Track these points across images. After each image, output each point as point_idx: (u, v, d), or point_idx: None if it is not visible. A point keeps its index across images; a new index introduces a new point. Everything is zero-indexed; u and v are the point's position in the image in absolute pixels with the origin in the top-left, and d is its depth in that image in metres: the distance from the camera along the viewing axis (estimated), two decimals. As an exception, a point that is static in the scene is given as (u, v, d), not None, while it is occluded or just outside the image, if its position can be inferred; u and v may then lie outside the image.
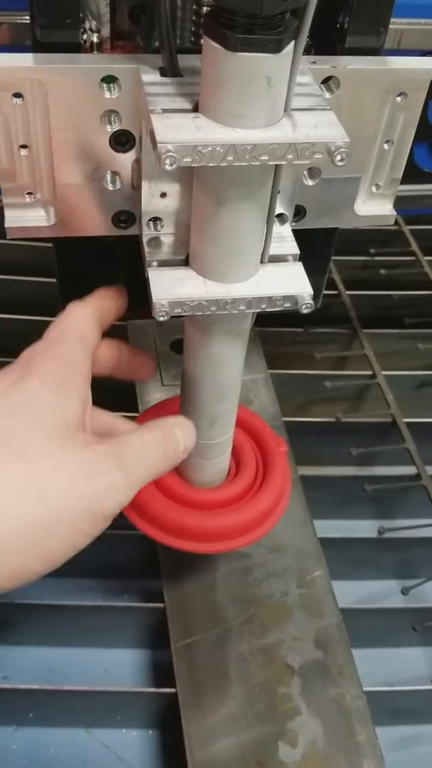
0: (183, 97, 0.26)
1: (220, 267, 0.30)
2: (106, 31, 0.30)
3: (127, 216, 0.32)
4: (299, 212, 0.35)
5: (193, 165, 0.24)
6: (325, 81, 0.30)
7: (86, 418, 0.29)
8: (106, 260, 0.36)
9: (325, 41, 0.31)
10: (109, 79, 0.28)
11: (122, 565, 0.52)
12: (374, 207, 0.36)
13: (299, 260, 0.33)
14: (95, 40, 0.30)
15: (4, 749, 0.46)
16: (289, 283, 0.31)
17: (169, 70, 0.27)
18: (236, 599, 0.47)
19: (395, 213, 0.36)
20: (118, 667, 0.50)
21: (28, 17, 0.28)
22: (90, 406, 0.30)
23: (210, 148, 0.24)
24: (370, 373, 0.63)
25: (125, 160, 0.30)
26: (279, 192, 0.30)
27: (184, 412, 0.38)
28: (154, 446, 0.30)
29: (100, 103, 0.28)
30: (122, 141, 0.30)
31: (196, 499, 0.38)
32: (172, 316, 0.30)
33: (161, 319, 0.29)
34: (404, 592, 0.55)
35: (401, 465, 0.58)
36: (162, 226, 0.32)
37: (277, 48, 0.23)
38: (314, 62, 0.30)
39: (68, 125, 0.29)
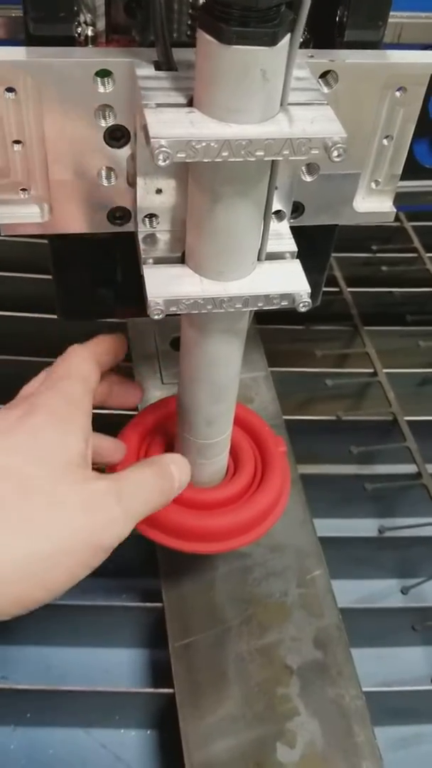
0: (177, 92, 0.26)
1: (216, 265, 0.29)
2: (101, 24, 0.30)
3: (122, 213, 0.32)
4: (297, 209, 0.34)
5: (187, 161, 0.24)
6: (324, 75, 0.30)
7: (87, 454, 0.31)
8: (103, 257, 0.36)
9: (324, 35, 0.31)
10: (103, 73, 0.28)
11: (121, 564, 0.52)
12: (374, 203, 0.35)
13: (297, 258, 0.32)
14: (90, 33, 0.29)
15: (3, 749, 0.46)
16: (287, 281, 0.31)
17: (164, 64, 0.27)
18: (235, 599, 0.46)
19: (395, 209, 0.36)
20: (117, 666, 0.50)
21: (21, 10, 0.27)
22: (91, 442, 0.31)
23: (204, 144, 0.24)
24: (371, 371, 0.63)
25: (120, 155, 0.30)
26: (276, 188, 0.30)
27: (182, 411, 0.37)
28: (151, 482, 0.32)
29: (94, 97, 0.28)
30: (117, 136, 0.29)
31: (193, 499, 0.38)
32: (167, 315, 0.29)
33: (156, 317, 0.29)
34: (404, 591, 0.54)
35: (402, 463, 0.58)
36: (158, 223, 0.31)
37: (272, 41, 0.23)
38: (312, 56, 0.29)
39: (62, 120, 0.28)
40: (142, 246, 0.31)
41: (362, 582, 0.55)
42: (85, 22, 0.29)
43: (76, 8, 0.28)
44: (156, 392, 0.57)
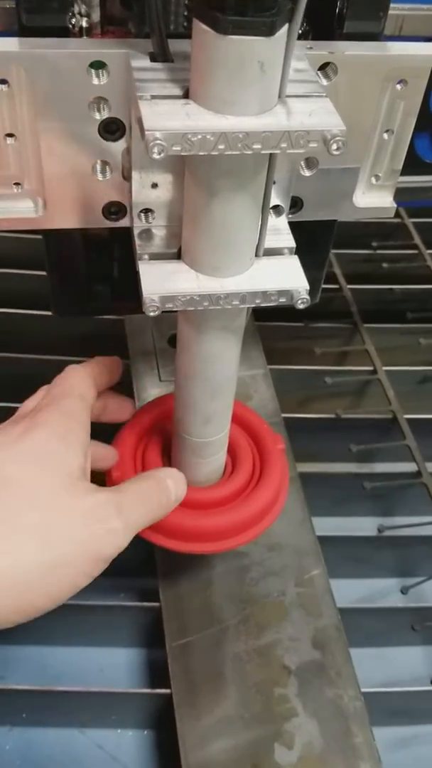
0: (173, 83, 0.25)
1: (212, 260, 0.29)
2: (96, 15, 0.29)
3: (117, 207, 0.31)
4: (296, 204, 0.34)
5: (182, 154, 0.23)
6: (323, 67, 0.29)
7: (87, 467, 0.32)
8: (99, 253, 0.35)
9: (323, 26, 0.30)
10: (98, 65, 0.27)
11: (118, 563, 0.52)
12: (374, 199, 0.35)
13: (296, 254, 0.32)
14: (84, 24, 0.29)
15: (-2, 749, 0.45)
16: (285, 277, 0.30)
17: (160, 55, 0.26)
18: (233, 598, 0.46)
19: (395, 205, 0.35)
20: (113, 666, 0.49)
21: (14, 1, 0.27)
22: (89, 456, 0.33)
23: (200, 136, 0.23)
24: (370, 368, 0.62)
25: (115, 149, 0.29)
26: (274, 183, 0.29)
27: (179, 410, 0.37)
28: (149, 495, 0.33)
29: (88, 89, 0.27)
30: (112, 129, 0.29)
31: (190, 499, 0.38)
32: (163, 312, 0.29)
33: (152, 314, 0.28)
34: (404, 591, 0.54)
35: (401, 462, 0.57)
36: (153, 218, 0.31)
37: (269, 31, 0.22)
38: (311, 48, 0.29)
39: (55, 113, 0.28)
40: (137, 241, 0.31)
41: (361, 581, 0.55)
42: (80, 13, 0.29)
43: (70, -2, 0.27)
44: (153, 389, 0.57)
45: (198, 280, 0.29)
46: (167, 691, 0.42)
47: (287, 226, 0.33)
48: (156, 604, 0.46)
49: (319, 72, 0.29)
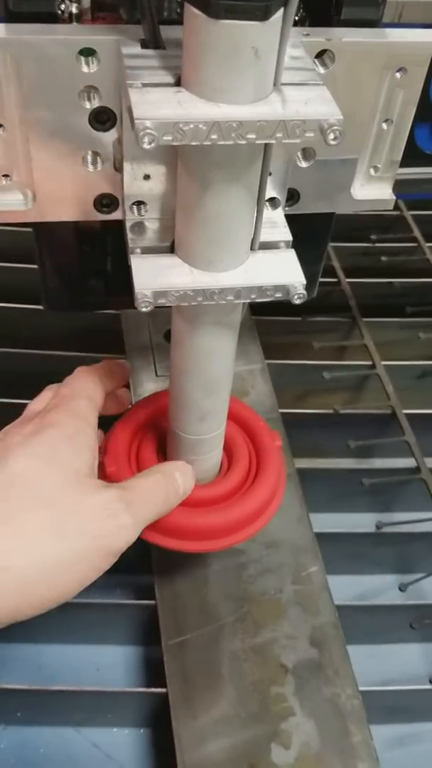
0: (165, 71, 0.25)
1: (206, 254, 0.28)
2: (86, 1, 0.28)
3: (109, 200, 0.31)
4: (293, 196, 0.33)
5: (174, 144, 0.23)
6: (320, 55, 0.29)
7: (95, 465, 0.33)
8: (91, 246, 0.35)
9: (320, 13, 0.29)
10: (87, 52, 0.26)
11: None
12: (372, 191, 0.34)
13: (293, 247, 0.31)
14: (74, 10, 0.28)
15: (-7, 748, 0.45)
16: (281, 271, 0.29)
17: (151, 42, 0.25)
18: (230, 596, 0.46)
19: (394, 197, 0.35)
20: (109, 664, 0.49)
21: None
22: (97, 454, 0.34)
23: (192, 126, 0.22)
24: (369, 363, 0.62)
25: (106, 139, 0.29)
26: (270, 174, 0.29)
27: (173, 406, 0.36)
28: (156, 490, 0.34)
29: (78, 77, 0.27)
30: (102, 119, 0.28)
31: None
32: (156, 307, 0.28)
33: (144, 309, 0.27)
34: (402, 588, 0.53)
35: (400, 457, 0.57)
36: (146, 211, 0.30)
37: (264, 15, 0.22)
38: (307, 35, 0.28)
39: (44, 102, 0.27)
40: (129, 235, 0.30)
41: (359, 578, 0.54)
42: (70, -1, 0.28)
43: (59, -17, 0.26)
44: (150, 384, 0.56)
45: (192, 275, 0.28)
46: (163, 690, 0.42)
47: (284, 219, 0.32)
48: (152, 602, 0.45)
49: (315, 60, 0.28)
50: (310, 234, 0.34)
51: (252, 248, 0.30)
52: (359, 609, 0.49)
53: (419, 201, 0.75)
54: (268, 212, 0.31)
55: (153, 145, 0.22)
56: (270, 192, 0.31)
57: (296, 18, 0.29)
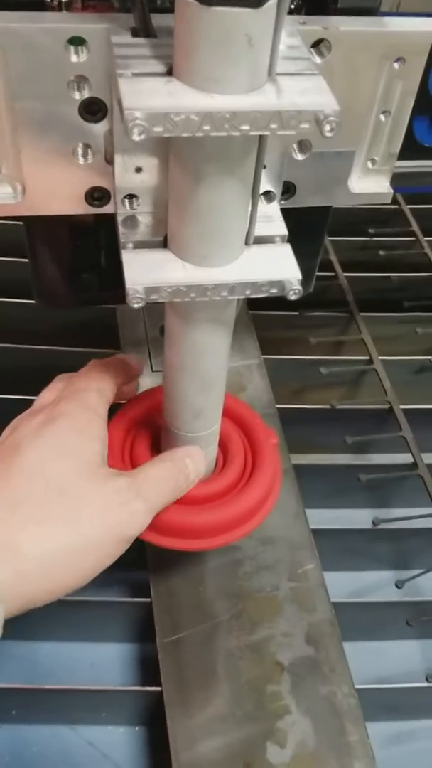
0: (156, 60, 0.24)
1: (200, 249, 0.28)
2: (76, -12, 0.28)
3: (101, 193, 0.30)
4: (288, 189, 0.32)
5: (165, 135, 0.22)
6: (316, 44, 0.28)
7: (105, 454, 0.34)
8: (84, 240, 0.34)
9: (317, 1, 0.29)
10: (77, 41, 0.25)
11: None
12: (370, 184, 0.34)
13: (288, 242, 0.31)
14: (64, -2, 0.27)
15: (-13, 746, 0.45)
16: (276, 266, 0.29)
17: (142, 30, 0.25)
18: (225, 593, 0.45)
19: (392, 191, 0.34)
20: (105, 661, 0.49)
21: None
22: (106, 444, 0.34)
23: (183, 116, 0.22)
24: (367, 358, 0.61)
25: (97, 131, 0.28)
26: (265, 167, 0.28)
27: (167, 403, 0.36)
28: (167, 477, 0.34)
29: (67, 67, 0.26)
30: (93, 110, 0.27)
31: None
32: (148, 303, 0.27)
33: (135, 306, 0.27)
34: (399, 585, 0.53)
35: (397, 453, 0.56)
36: (138, 205, 0.29)
37: (257, 2, 0.21)
38: (303, 23, 0.27)
39: (32, 93, 0.26)
40: (121, 229, 0.29)
41: (356, 574, 0.54)
42: (59, -14, 0.27)
43: (47, -30, 0.26)
44: (146, 379, 0.55)
45: (185, 270, 0.28)
46: (158, 688, 0.41)
47: (279, 213, 0.31)
48: (147, 599, 0.45)
49: (312, 49, 0.28)
50: (306, 228, 0.34)
51: (246, 243, 0.29)
52: (356, 606, 0.49)
53: (418, 194, 0.74)
54: (263, 206, 0.31)
55: (143, 136, 0.22)
56: (265, 185, 0.30)
57: (292, 6, 0.28)
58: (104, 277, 0.35)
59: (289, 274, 0.29)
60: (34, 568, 0.29)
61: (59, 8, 0.27)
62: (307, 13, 0.28)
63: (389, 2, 0.39)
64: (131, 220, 0.29)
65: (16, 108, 0.27)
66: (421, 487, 0.53)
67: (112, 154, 0.28)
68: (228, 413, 0.40)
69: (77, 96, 0.27)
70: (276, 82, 0.24)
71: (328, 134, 0.23)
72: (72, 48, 0.26)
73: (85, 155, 0.29)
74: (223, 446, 0.40)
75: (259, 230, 0.29)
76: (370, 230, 0.72)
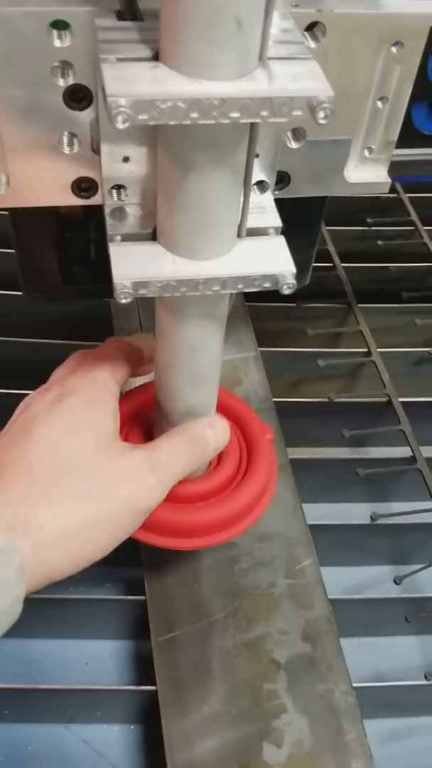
0: (142, 44, 0.23)
1: (190, 242, 0.27)
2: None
3: (88, 183, 0.29)
4: (282, 179, 0.31)
5: (150, 123, 0.21)
6: (310, 28, 0.27)
7: (117, 429, 0.34)
8: (72, 232, 0.33)
9: (311, -18, 0.28)
10: (60, 25, 0.24)
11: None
12: (367, 173, 0.33)
13: (283, 233, 0.30)
14: (47, -20, 0.26)
15: (-19, 745, 0.44)
16: (270, 260, 0.28)
17: (128, 13, 0.24)
18: (221, 591, 0.45)
19: (390, 180, 0.33)
20: (99, 659, 0.48)
21: None
22: (119, 420, 0.34)
23: (170, 103, 0.21)
24: (365, 350, 0.60)
25: (83, 119, 0.27)
26: (257, 156, 0.27)
27: (159, 400, 0.35)
28: (182, 450, 0.34)
29: (50, 52, 0.25)
30: (78, 97, 0.26)
31: (172, 492, 0.36)
32: (137, 298, 0.27)
33: (123, 301, 0.26)
34: (397, 581, 0.52)
35: (396, 447, 0.56)
36: (126, 195, 0.29)
37: (246, -18, 0.20)
38: (297, 5, 0.26)
39: (14, 79, 0.25)
40: (109, 221, 0.28)
41: (354, 570, 0.54)
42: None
43: None
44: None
45: (174, 264, 0.27)
46: (153, 688, 0.41)
47: (273, 204, 0.30)
48: (142, 597, 0.44)
49: (305, 33, 0.27)
50: (301, 219, 0.33)
51: (239, 235, 0.28)
52: (354, 602, 0.48)
53: (417, 183, 0.73)
54: (255, 196, 0.30)
55: (127, 124, 0.21)
56: (258, 175, 0.30)
57: (285, -13, 0.27)
58: (93, 269, 0.34)
59: (282, 268, 0.28)
60: (53, 541, 0.29)
61: (42, -10, 0.26)
62: (302, -5, 0.27)
63: (387, -16, 0.38)
64: (119, 212, 0.28)
65: (-2, 95, 0.26)
66: (419, 481, 0.53)
67: (98, 143, 0.27)
68: (222, 408, 0.39)
69: (61, 82, 0.26)
70: (267, 67, 0.23)
71: (321, 121, 0.22)
72: (55, 32, 0.25)
73: (71, 144, 0.28)
74: (218, 442, 0.39)
75: (252, 222, 0.28)
76: (369, 219, 0.71)
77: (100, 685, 0.45)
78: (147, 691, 0.42)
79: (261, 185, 0.30)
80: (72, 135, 0.27)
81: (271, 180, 0.30)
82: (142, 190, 0.28)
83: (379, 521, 0.52)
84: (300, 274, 0.29)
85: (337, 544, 0.51)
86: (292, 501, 0.49)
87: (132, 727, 0.46)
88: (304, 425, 0.57)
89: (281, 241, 0.29)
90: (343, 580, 0.52)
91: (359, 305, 0.64)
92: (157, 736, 0.40)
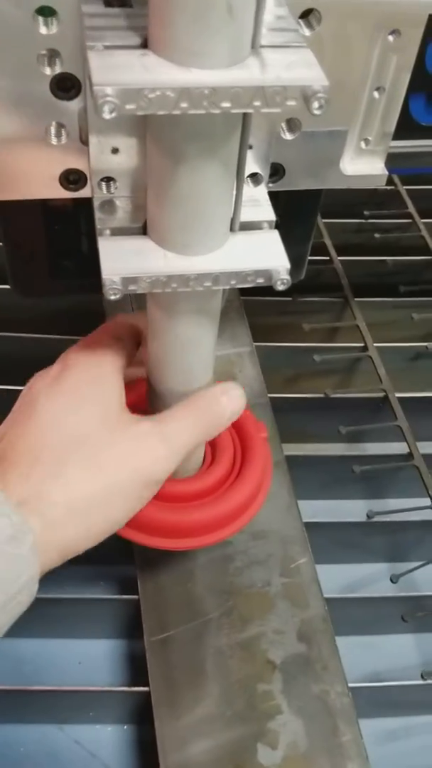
0: (131, 32, 0.22)
1: (181, 237, 0.26)
2: None
3: (77, 175, 0.28)
4: (277, 171, 0.30)
5: (138, 113, 0.20)
6: (305, 15, 0.26)
7: (122, 400, 0.33)
8: (61, 226, 0.32)
9: (306, -33, 0.27)
10: (46, 11, 0.24)
11: (98, 551, 0.50)
12: (363, 165, 0.32)
13: (277, 227, 0.29)
14: (32, -36, 0.25)
15: (-27, 746, 0.44)
16: (263, 254, 0.27)
17: (116, 0, 0.23)
18: (215, 590, 0.44)
19: (387, 172, 0.32)
20: (92, 659, 0.48)
21: None
22: (124, 392, 0.33)
23: (159, 93, 0.20)
24: (361, 345, 0.60)
25: (71, 109, 0.26)
26: (251, 147, 0.26)
27: (151, 397, 0.34)
28: (192, 418, 0.33)
29: (36, 40, 0.24)
30: (66, 86, 0.25)
31: (166, 491, 0.35)
32: (126, 294, 0.26)
33: (112, 297, 0.25)
34: (393, 579, 0.52)
35: (393, 443, 0.55)
36: (116, 188, 0.28)
37: (238, -35, 0.19)
38: (291, -9, 0.25)
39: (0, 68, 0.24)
40: (98, 214, 0.27)
41: (350, 568, 0.53)
42: None
43: None
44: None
45: (165, 259, 0.26)
46: (146, 688, 0.40)
47: (267, 197, 0.29)
48: (135, 596, 0.44)
49: (300, 20, 0.26)
50: (296, 212, 0.32)
51: (232, 229, 0.27)
52: (350, 601, 0.48)
53: (414, 175, 0.72)
54: (249, 189, 0.29)
55: (114, 114, 0.20)
56: (251, 167, 0.29)
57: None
58: (83, 264, 0.33)
59: (276, 263, 0.27)
60: (64, 516, 0.29)
61: (28, -24, 0.25)
62: (296, -19, 0.26)
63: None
64: (108, 205, 0.28)
65: (-18, 85, 0.25)
66: (416, 477, 0.52)
67: (87, 133, 0.26)
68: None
69: (48, 71, 0.25)
70: (260, 55, 0.22)
71: (316, 111, 0.21)
72: (41, 19, 0.24)
73: (58, 135, 0.27)
74: (211, 440, 0.39)
75: (245, 215, 0.28)
76: (366, 212, 0.70)
77: (93, 686, 0.44)
78: (140, 691, 0.41)
79: (254, 178, 0.29)
80: (60, 125, 0.27)
81: (264, 172, 0.30)
82: (132, 183, 0.28)
83: (376, 519, 0.52)
84: (295, 269, 0.28)
85: (333, 541, 0.51)
86: (288, 498, 0.49)
87: (125, 727, 0.45)
88: (300, 421, 0.56)
89: (275, 235, 0.28)
90: (339, 579, 0.52)
91: (356, 299, 0.63)
92: (150, 736, 0.39)
